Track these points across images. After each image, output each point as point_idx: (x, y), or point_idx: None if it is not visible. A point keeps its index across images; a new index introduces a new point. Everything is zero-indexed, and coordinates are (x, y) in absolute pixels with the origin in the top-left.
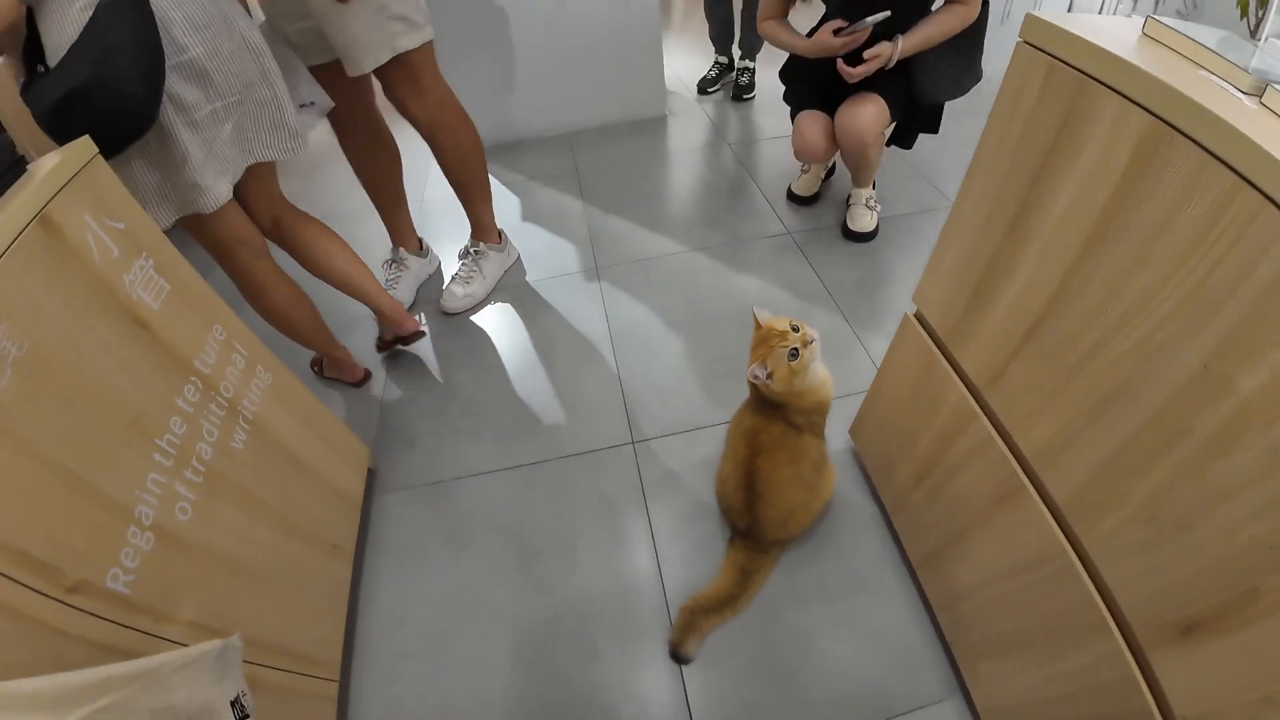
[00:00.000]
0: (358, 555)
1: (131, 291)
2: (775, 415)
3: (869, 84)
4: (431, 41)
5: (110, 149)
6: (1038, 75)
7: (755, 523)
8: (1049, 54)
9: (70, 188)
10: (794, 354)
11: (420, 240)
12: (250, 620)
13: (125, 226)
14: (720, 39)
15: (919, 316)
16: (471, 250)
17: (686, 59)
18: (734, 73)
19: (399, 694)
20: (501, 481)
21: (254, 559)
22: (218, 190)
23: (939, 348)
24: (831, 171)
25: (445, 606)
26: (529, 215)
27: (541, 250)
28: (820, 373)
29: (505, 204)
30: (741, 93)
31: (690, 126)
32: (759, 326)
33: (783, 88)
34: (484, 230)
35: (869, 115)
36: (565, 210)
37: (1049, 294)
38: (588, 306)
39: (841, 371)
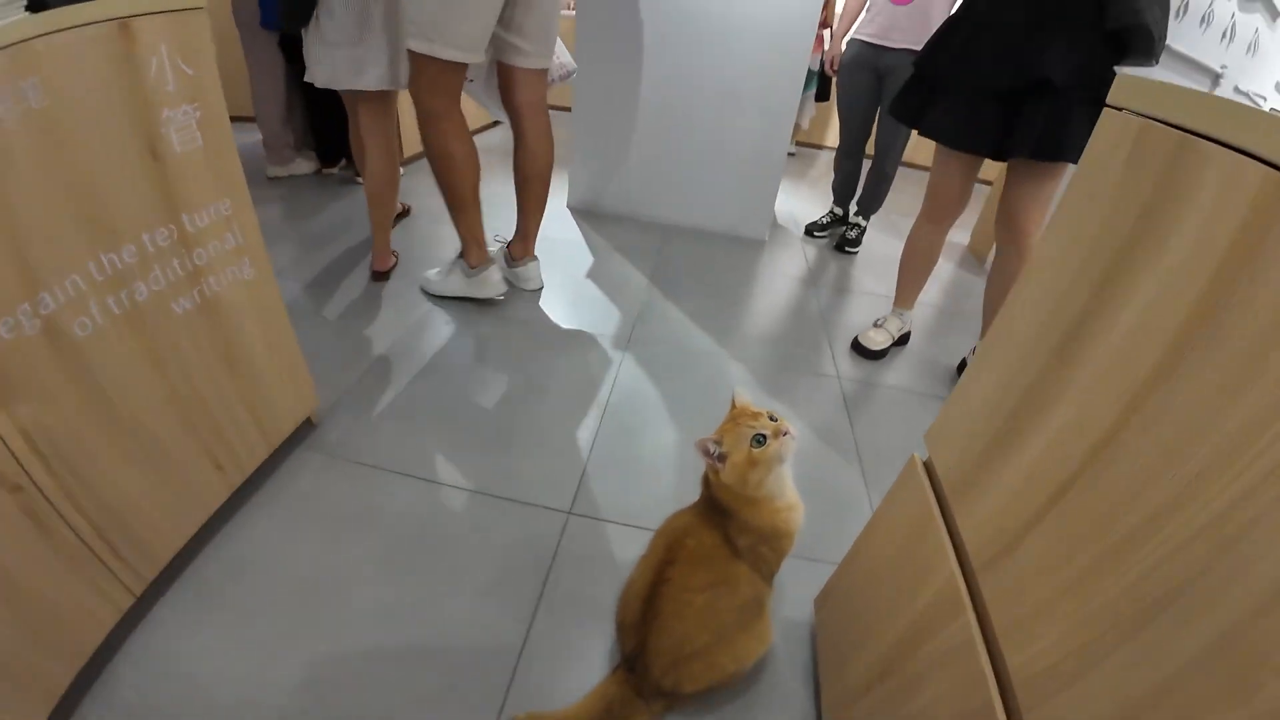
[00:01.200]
0: (244, 491)
1: (164, 126)
2: (716, 523)
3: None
4: None
5: None
6: (1125, 144)
7: (642, 651)
8: (1141, 114)
9: (164, 18)
10: (759, 440)
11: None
12: (84, 468)
13: (194, 73)
14: (841, 192)
15: (928, 464)
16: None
17: (804, 203)
18: (845, 226)
19: (185, 648)
20: (421, 492)
21: (125, 414)
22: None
23: (939, 504)
24: (906, 339)
25: (290, 582)
26: (594, 274)
27: (586, 305)
28: (789, 493)
29: (578, 260)
30: (847, 245)
31: (784, 258)
32: (734, 406)
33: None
34: (465, 245)
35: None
36: (628, 281)
37: (1095, 439)
38: (600, 369)
39: (840, 533)
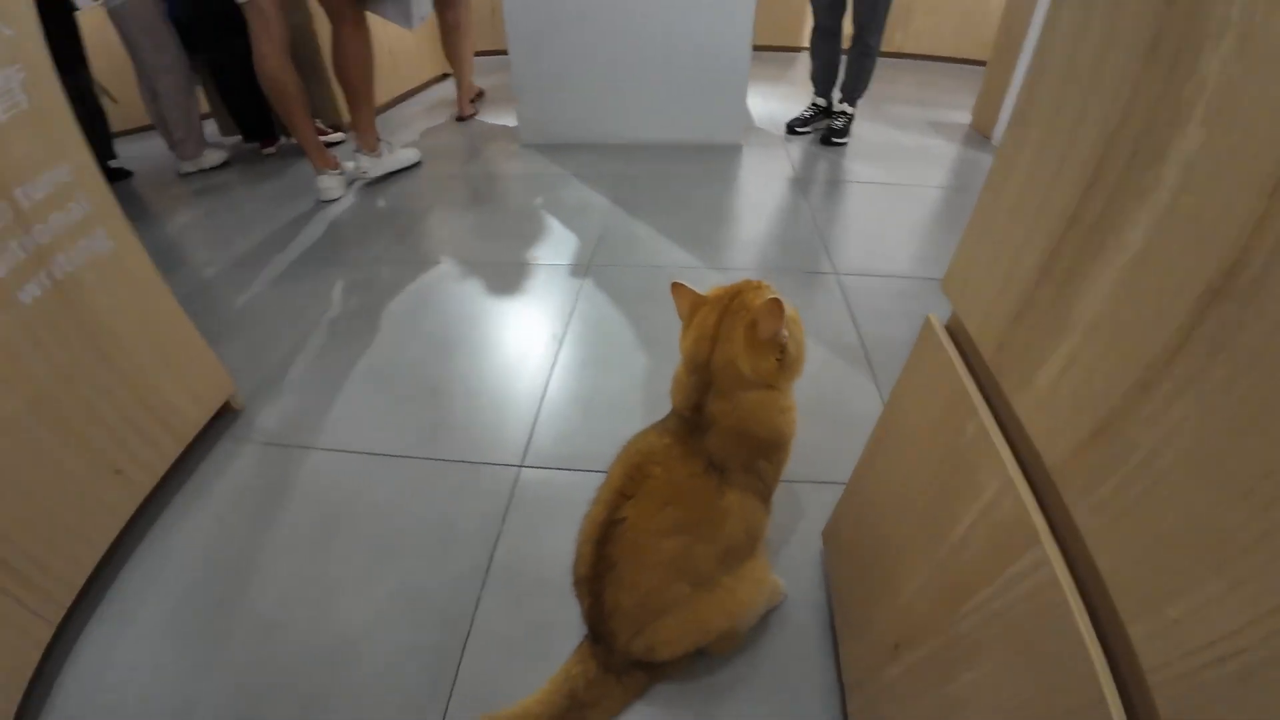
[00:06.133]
0: (163, 494)
1: None
2: (693, 445)
3: None
4: None
5: None
6: None
7: (599, 611)
8: None
9: None
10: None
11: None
12: None
13: (13, 34)
14: (822, 79)
15: (952, 326)
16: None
17: (784, 102)
18: (830, 116)
19: (117, 666)
20: (359, 466)
21: None
22: None
23: (976, 380)
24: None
25: (220, 581)
26: (548, 205)
27: (539, 236)
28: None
29: (530, 194)
30: (833, 136)
31: (765, 160)
32: (691, 298)
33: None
34: (363, 134)
35: None
36: (587, 206)
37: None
38: (555, 301)
39: (854, 450)
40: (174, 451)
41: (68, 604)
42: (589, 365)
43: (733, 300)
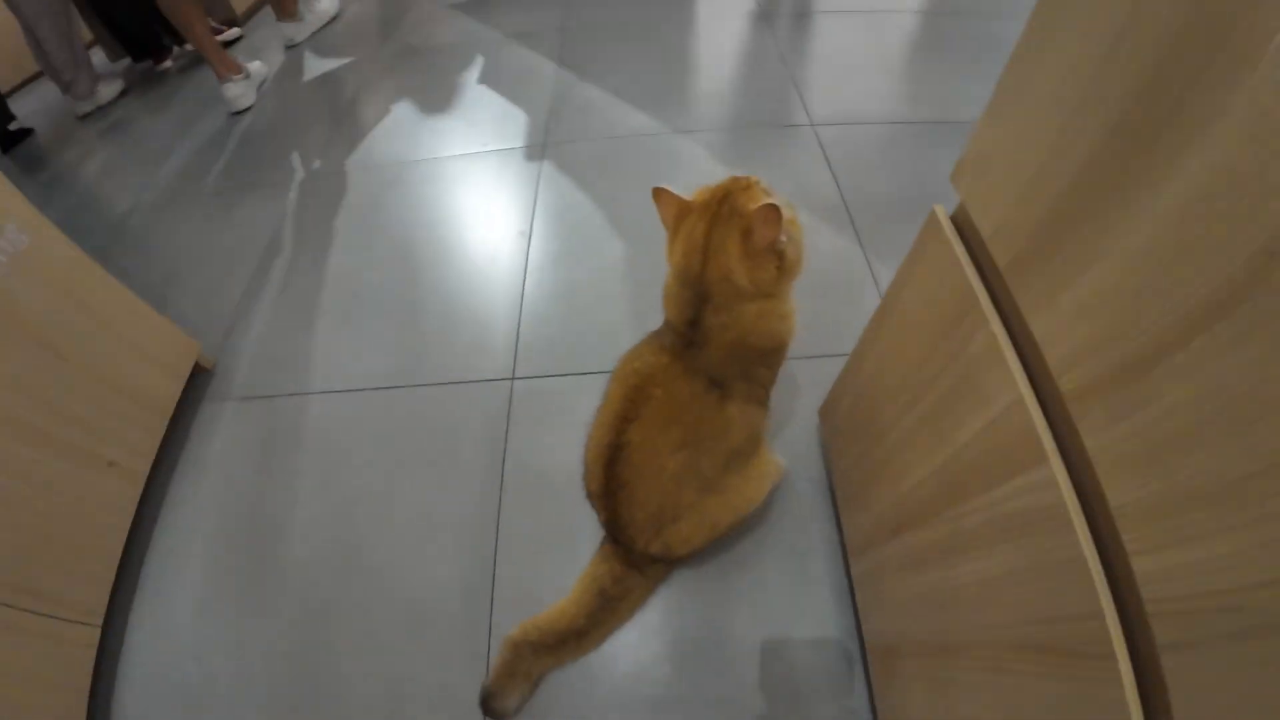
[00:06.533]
0: (161, 473)
1: None
2: (691, 361)
3: None
4: None
5: None
6: None
7: (615, 524)
8: None
9: None
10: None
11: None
12: None
13: None
14: None
15: (959, 218)
16: None
17: None
18: None
19: (169, 651)
20: (349, 405)
21: None
22: None
23: (987, 285)
24: None
25: (239, 549)
26: (487, 78)
27: (483, 118)
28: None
29: (465, 66)
30: None
31: None
32: (676, 205)
33: None
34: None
35: None
36: (533, 73)
37: None
38: (515, 191)
39: (842, 317)
40: (160, 427)
41: (104, 603)
42: (562, 260)
43: (721, 205)
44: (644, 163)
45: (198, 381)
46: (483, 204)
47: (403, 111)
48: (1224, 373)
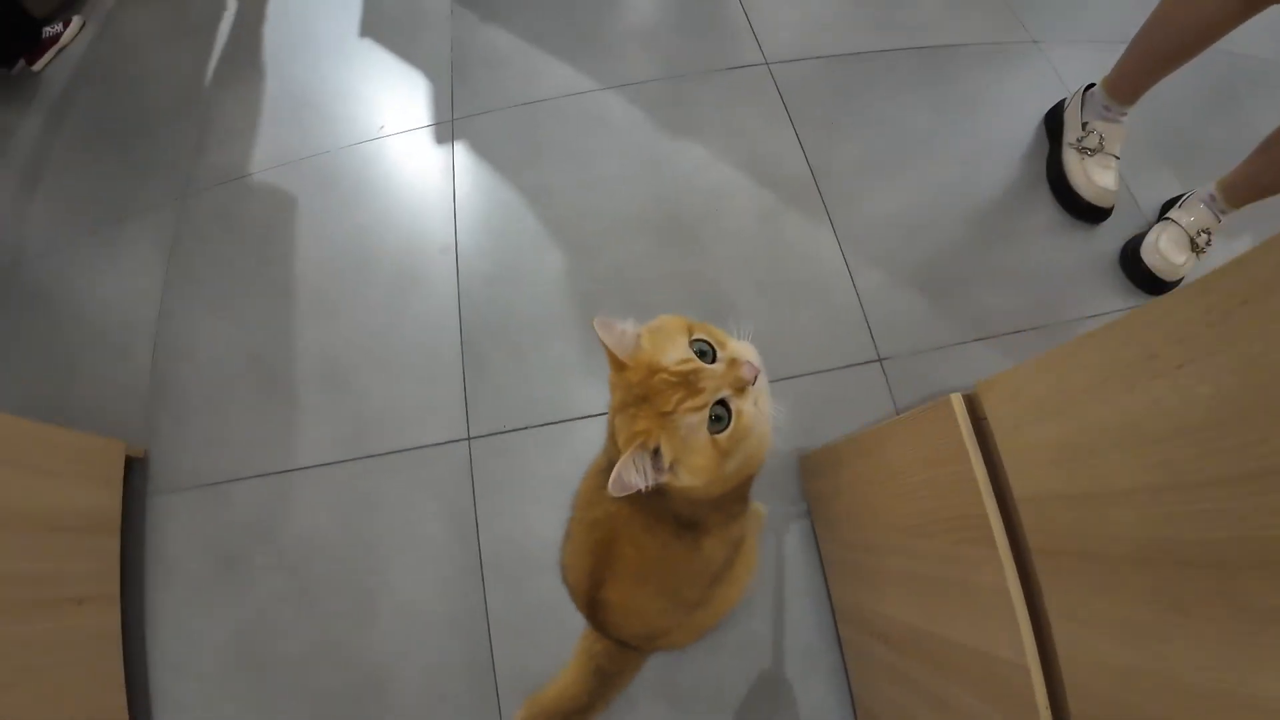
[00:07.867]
0: (132, 588)
1: None
2: (657, 511)
3: None
4: None
5: None
6: None
7: (604, 630)
8: None
9: None
10: (718, 418)
11: None
12: None
13: None
14: None
15: (973, 398)
16: None
17: None
18: None
19: None
20: (295, 487)
21: None
22: None
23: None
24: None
25: (230, 655)
26: (370, 27)
27: (378, 88)
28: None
29: (341, 12)
30: None
31: None
32: (621, 364)
33: None
34: None
35: None
36: (421, 15)
37: None
38: (428, 190)
39: (814, 322)
40: (113, 545)
41: None
42: (496, 282)
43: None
44: (572, 135)
45: (135, 475)
46: (392, 215)
47: (258, 89)
48: None
